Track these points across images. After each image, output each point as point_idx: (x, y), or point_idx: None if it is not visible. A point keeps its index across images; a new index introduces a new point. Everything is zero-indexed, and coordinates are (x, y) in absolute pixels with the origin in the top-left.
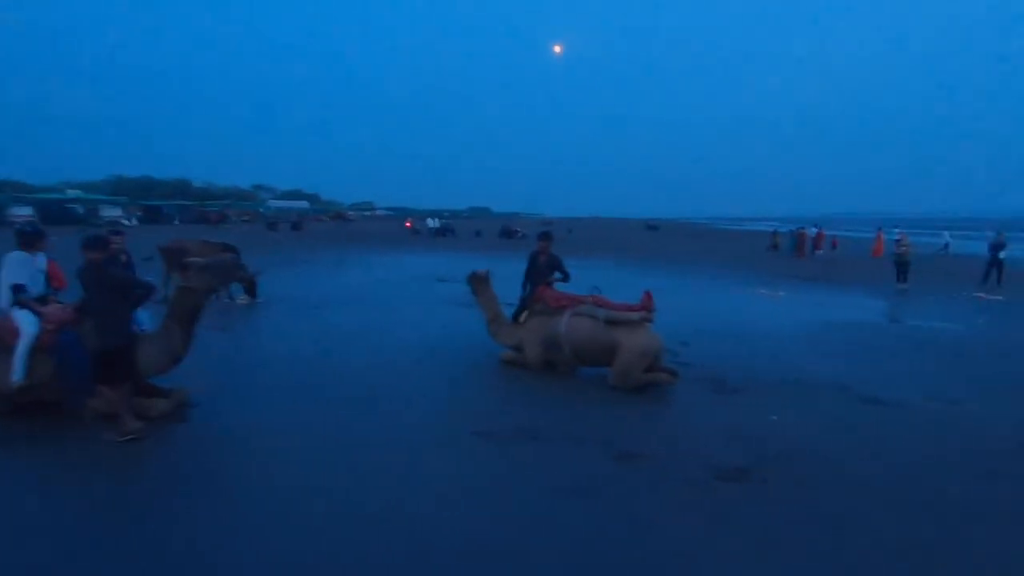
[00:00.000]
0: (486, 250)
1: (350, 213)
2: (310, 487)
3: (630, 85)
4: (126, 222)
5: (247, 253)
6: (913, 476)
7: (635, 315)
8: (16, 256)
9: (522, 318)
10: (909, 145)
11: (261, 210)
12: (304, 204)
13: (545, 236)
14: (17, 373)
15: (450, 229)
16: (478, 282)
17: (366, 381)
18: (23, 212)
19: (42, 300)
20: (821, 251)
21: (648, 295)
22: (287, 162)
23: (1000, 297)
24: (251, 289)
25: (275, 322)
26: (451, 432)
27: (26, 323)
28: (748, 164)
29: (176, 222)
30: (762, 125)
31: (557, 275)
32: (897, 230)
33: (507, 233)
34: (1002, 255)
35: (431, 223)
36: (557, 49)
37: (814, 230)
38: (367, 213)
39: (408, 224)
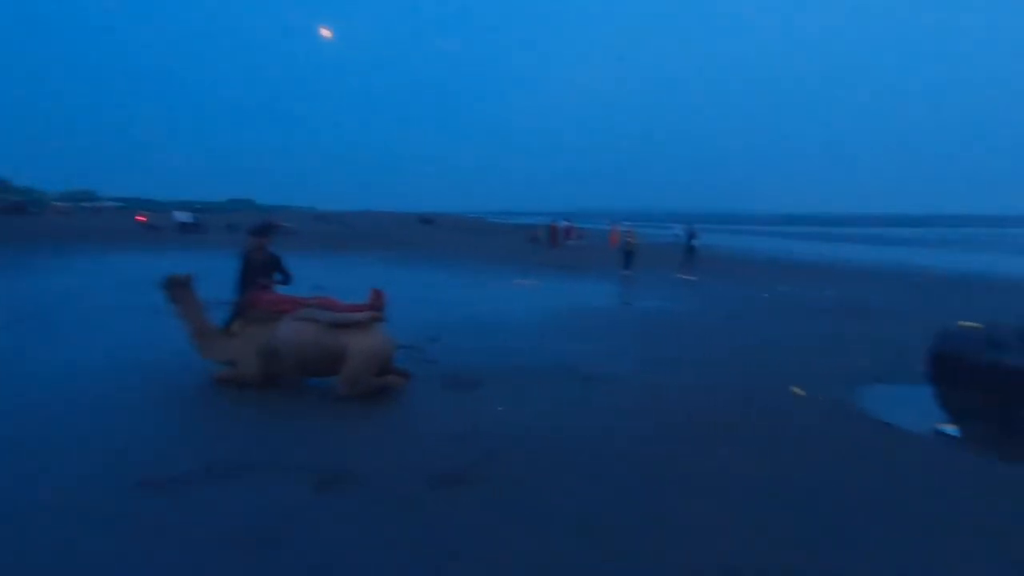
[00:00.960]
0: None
1: (59, 204)
2: None
3: (409, 74)
4: None
5: None
6: (625, 450)
7: (362, 316)
8: None
9: (234, 328)
10: (642, 147)
11: None
12: None
13: (261, 230)
14: None
15: (199, 224)
16: (177, 288)
17: (10, 423)
18: None
19: None
20: (572, 241)
21: (377, 292)
22: None
23: (694, 277)
24: None
25: None
26: (108, 488)
27: None
28: (517, 161)
29: None
30: (525, 124)
31: (277, 276)
32: (626, 223)
33: (265, 228)
34: (695, 243)
35: (180, 217)
36: (326, 33)
37: (564, 223)
38: (87, 205)
39: (141, 218)
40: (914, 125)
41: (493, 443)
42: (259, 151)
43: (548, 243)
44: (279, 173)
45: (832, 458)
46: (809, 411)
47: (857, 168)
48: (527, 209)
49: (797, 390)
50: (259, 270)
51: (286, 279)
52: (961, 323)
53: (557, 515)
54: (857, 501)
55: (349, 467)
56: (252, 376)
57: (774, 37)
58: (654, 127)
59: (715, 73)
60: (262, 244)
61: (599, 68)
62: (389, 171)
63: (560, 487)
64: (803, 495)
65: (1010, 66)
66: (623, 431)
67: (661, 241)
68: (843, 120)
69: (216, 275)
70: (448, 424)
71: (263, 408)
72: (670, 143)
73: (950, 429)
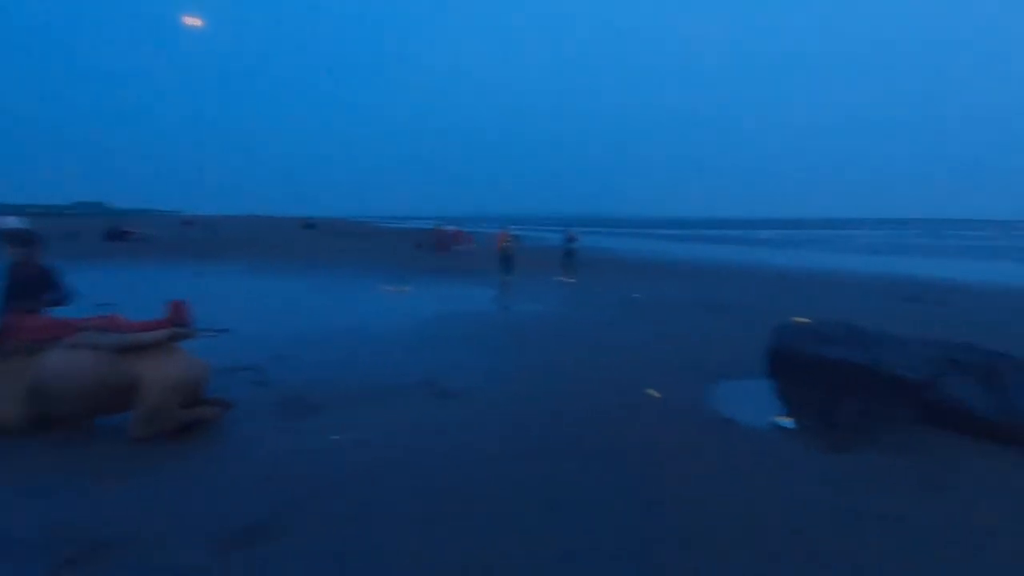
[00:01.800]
0: (84, 258)
1: None
2: None
3: (297, 70)
4: None
5: None
6: (470, 475)
7: (157, 335)
8: None
9: None
10: (540, 153)
11: None
12: None
13: (21, 239)
14: None
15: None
16: None
17: None
18: None
19: None
20: (460, 246)
21: (177, 305)
22: None
23: (573, 280)
24: None
25: None
26: None
27: None
28: (413, 165)
29: None
30: (412, 126)
31: (49, 295)
32: (514, 227)
33: (116, 235)
34: (574, 247)
35: (10, 222)
36: (191, 22)
37: (452, 228)
38: None
39: None
40: (786, 132)
41: (317, 482)
42: (115, 149)
43: (435, 248)
44: (139, 174)
45: (678, 461)
46: (662, 414)
47: (736, 174)
48: (423, 213)
49: (653, 392)
50: (24, 288)
51: (61, 298)
52: (795, 319)
53: (379, 566)
54: (699, 505)
55: (116, 534)
56: (13, 422)
57: (665, 39)
58: (550, 131)
59: (603, 79)
60: (29, 256)
61: (496, 70)
62: (274, 173)
63: (387, 529)
64: (646, 504)
65: (855, 74)
66: (470, 452)
67: (549, 244)
68: (723, 127)
69: None
70: (266, 463)
71: (16, 464)
72: (567, 148)
73: (786, 422)
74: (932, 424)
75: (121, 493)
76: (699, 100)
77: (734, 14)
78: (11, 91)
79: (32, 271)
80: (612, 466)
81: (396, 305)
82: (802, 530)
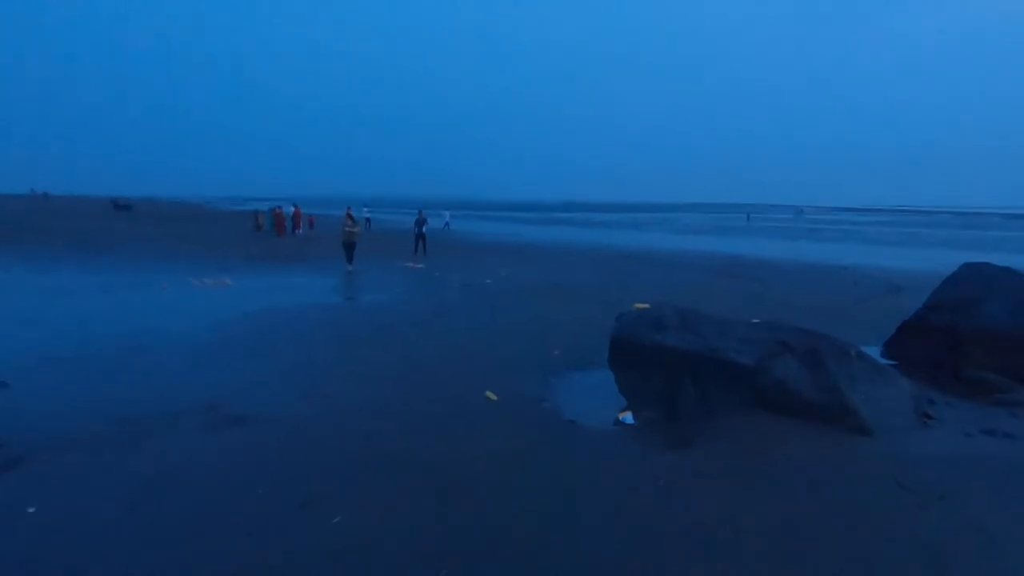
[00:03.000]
0: None
1: None
2: None
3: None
4: None
5: None
6: (252, 528)
7: None
8: None
9: None
10: (400, 131)
11: None
12: None
13: None
14: None
15: None
16: None
17: None
18: None
19: None
20: (300, 230)
21: None
22: None
23: (422, 265)
24: None
25: None
26: None
27: None
28: (257, 142)
29: None
30: (273, 99)
31: None
32: (366, 209)
33: None
34: (424, 230)
35: None
36: None
37: (291, 208)
38: None
39: None
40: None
41: None
42: None
43: (273, 232)
44: None
45: (507, 480)
46: (498, 420)
47: (591, 162)
48: (269, 195)
49: (491, 395)
50: None
51: None
52: (636, 305)
53: None
54: (530, 541)
55: None
56: None
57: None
58: (413, 110)
59: (482, 62)
60: None
61: (359, 40)
62: (80, 147)
63: None
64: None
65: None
66: (255, 501)
67: (408, 228)
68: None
69: None
70: None
71: None
72: (432, 129)
73: (628, 418)
74: (765, 408)
75: None
76: (551, 95)
77: None
78: None
79: None
80: (441, 494)
81: (203, 302)
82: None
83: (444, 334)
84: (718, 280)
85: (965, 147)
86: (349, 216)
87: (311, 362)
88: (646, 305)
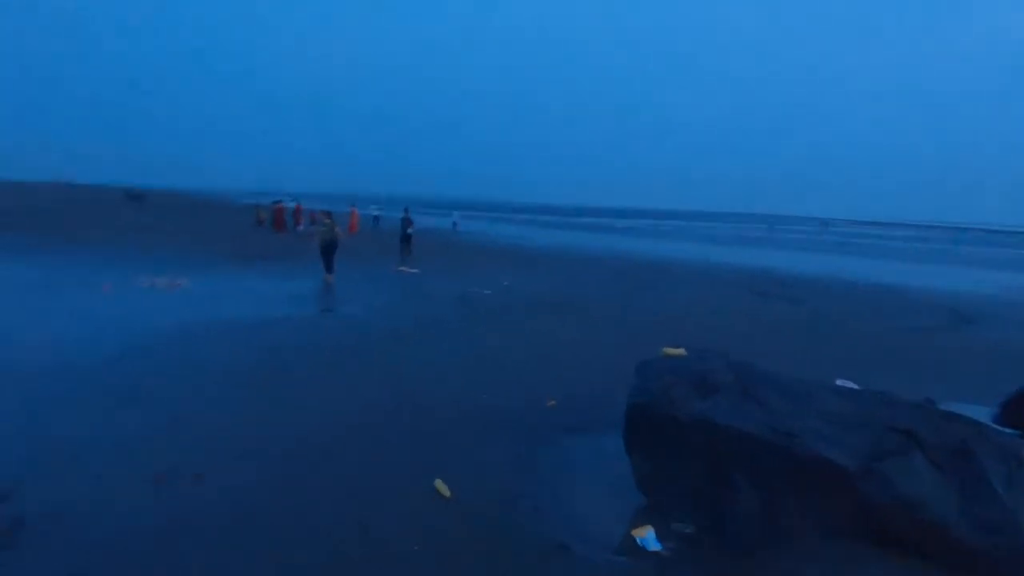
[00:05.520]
0: None
1: None
2: None
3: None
4: None
5: None
6: None
7: None
8: None
9: None
10: (421, 129)
11: None
12: None
13: None
14: None
15: None
16: None
17: None
18: None
19: None
20: (301, 226)
21: None
22: None
23: (416, 270)
24: None
25: None
26: None
27: None
28: (279, 135)
29: None
30: (255, 97)
31: None
32: (374, 207)
33: None
34: (411, 232)
35: None
36: None
37: (292, 204)
38: None
39: None
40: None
41: None
42: None
43: (272, 227)
44: None
45: None
46: (445, 540)
47: (613, 166)
48: (297, 190)
49: (441, 488)
50: None
51: None
52: (665, 350)
53: None
54: None
55: None
56: None
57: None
58: (429, 110)
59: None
60: None
61: (376, 40)
62: (101, 134)
63: None
64: None
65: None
66: None
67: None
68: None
69: None
70: None
71: None
72: (457, 130)
73: (648, 539)
74: (875, 539)
75: None
76: (587, 93)
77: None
78: None
79: None
80: None
81: (129, 310)
82: None
83: (409, 370)
84: (751, 299)
85: (990, 165)
86: (326, 214)
87: (188, 416)
88: (680, 350)
